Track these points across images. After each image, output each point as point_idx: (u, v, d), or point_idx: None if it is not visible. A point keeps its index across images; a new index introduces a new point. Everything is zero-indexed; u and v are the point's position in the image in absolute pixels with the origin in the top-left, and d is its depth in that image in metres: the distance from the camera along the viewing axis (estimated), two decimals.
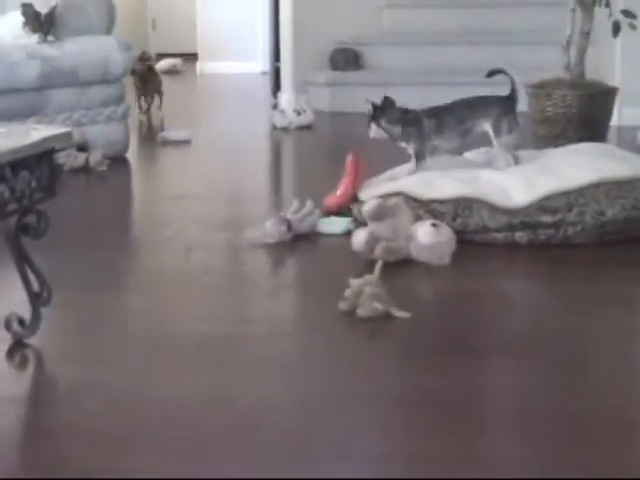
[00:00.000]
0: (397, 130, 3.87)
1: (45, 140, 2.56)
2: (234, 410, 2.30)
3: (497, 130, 3.80)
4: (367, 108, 3.94)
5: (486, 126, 3.82)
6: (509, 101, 3.87)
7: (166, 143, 5.58)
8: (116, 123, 5.16)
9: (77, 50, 4.96)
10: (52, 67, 4.83)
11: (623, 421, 2.22)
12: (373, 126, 3.89)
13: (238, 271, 3.46)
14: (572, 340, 2.70)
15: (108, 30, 5.25)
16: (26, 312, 2.69)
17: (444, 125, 3.83)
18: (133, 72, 6.46)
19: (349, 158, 3.86)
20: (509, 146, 3.81)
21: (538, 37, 6.41)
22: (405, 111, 3.91)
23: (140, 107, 6.90)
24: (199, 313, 2.96)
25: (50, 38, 5.01)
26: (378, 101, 3.95)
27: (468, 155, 4.05)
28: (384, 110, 3.89)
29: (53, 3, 5.06)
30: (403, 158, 3.98)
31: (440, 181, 3.62)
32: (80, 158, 4.87)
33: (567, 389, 2.38)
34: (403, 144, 3.87)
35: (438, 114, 3.87)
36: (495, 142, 3.81)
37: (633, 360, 2.63)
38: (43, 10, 5.03)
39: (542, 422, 2.21)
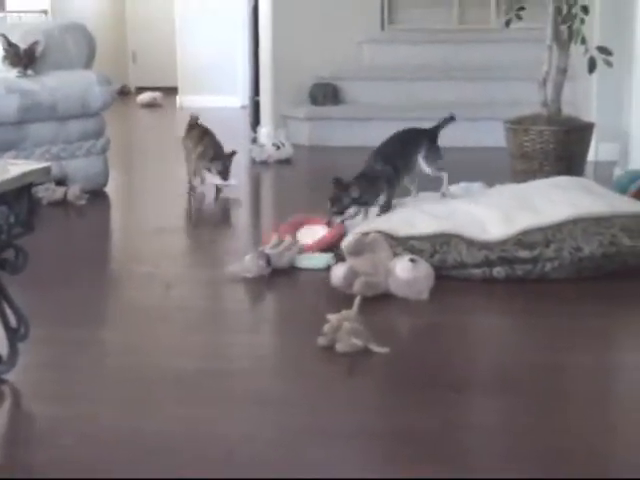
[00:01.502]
0: (356, 207, 3.80)
1: (24, 175, 2.56)
2: (212, 444, 2.29)
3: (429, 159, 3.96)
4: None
5: (420, 157, 3.97)
6: (434, 132, 4.04)
7: None
8: (95, 157, 5.16)
9: (56, 84, 4.97)
10: (31, 101, 4.83)
11: (598, 458, 2.22)
12: (337, 219, 3.78)
13: (217, 306, 3.45)
14: (549, 376, 2.70)
15: (88, 64, 5.27)
16: (3, 347, 2.68)
17: (397, 167, 3.90)
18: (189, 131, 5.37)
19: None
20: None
21: (516, 73, 6.47)
22: (359, 177, 3.86)
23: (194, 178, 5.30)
24: (177, 348, 2.96)
25: (30, 72, 5.02)
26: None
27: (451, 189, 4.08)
28: (336, 199, 3.77)
29: (33, 38, 5.07)
30: None
31: (418, 218, 3.64)
32: (59, 192, 4.86)
33: (544, 425, 2.38)
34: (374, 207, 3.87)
35: (389, 158, 3.91)
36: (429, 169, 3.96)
37: (609, 396, 2.64)
38: (22, 45, 5.04)
39: (518, 458, 2.21)
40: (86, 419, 2.44)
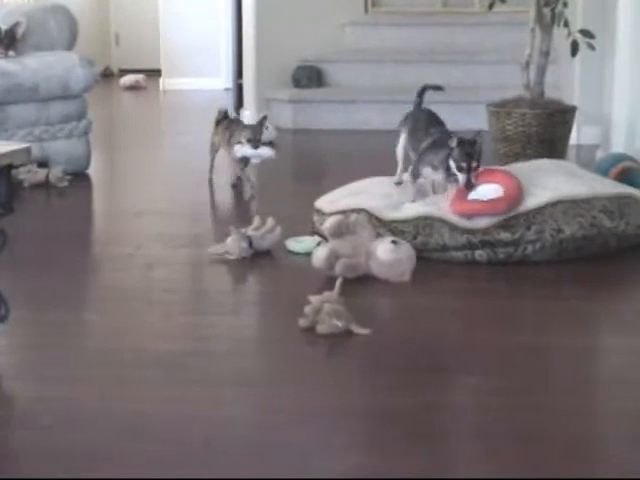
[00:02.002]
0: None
1: (3, 156, 2.54)
2: (193, 424, 2.29)
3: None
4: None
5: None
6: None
7: None
8: (77, 139, 5.14)
9: (38, 66, 4.94)
10: (13, 82, 4.80)
11: (579, 439, 2.23)
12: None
13: (198, 288, 3.45)
14: (529, 357, 2.71)
15: (70, 46, 5.24)
16: None
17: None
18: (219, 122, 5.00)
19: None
20: None
21: (500, 56, 6.47)
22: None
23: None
24: (158, 330, 2.95)
25: (11, 53, 4.99)
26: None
27: None
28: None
29: (15, 19, 5.04)
30: (366, 172, 4.01)
31: (404, 204, 3.64)
32: (40, 174, 4.84)
33: (524, 406, 2.39)
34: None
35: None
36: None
37: (589, 377, 2.65)
38: (4, 26, 5.01)
39: (499, 439, 2.22)
40: (67, 400, 2.44)
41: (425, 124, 3.73)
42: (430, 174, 3.62)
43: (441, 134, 3.62)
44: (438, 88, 4.02)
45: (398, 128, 3.92)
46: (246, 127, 4.73)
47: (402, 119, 3.92)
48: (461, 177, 3.48)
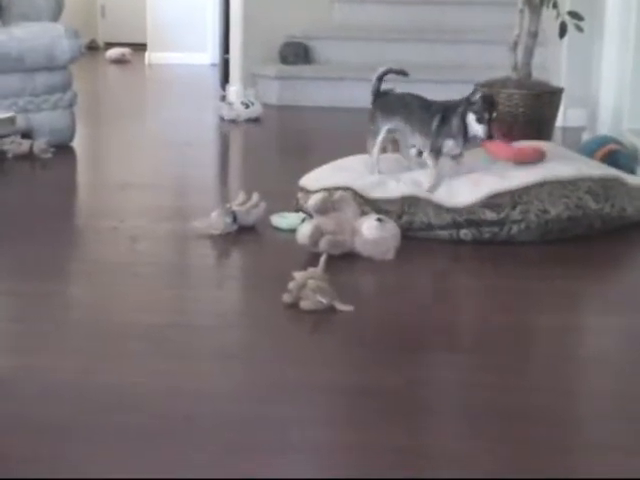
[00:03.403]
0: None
1: None
2: (175, 398, 2.29)
3: None
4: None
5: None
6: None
7: None
8: (62, 111, 5.10)
9: (24, 36, 4.90)
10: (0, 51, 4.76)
11: (561, 418, 2.24)
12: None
13: (182, 262, 3.44)
14: (513, 336, 2.72)
15: (55, 17, 5.20)
16: None
17: None
18: None
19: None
20: None
21: (489, 36, 6.44)
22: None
23: None
24: (141, 303, 2.95)
25: None
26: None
27: None
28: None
29: None
30: (352, 149, 3.99)
31: (390, 183, 3.63)
32: (24, 145, 4.80)
33: (507, 384, 2.40)
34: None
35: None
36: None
37: (572, 356, 2.66)
38: None
39: (481, 416, 2.23)
40: (48, 372, 2.43)
41: (421, 106, 3.69)
42: (451, 147, 3.60)
43: (443, 105, 3.62)
44: (402, 73, 3.87)
45: (379, 123, 3.77)
46: None
47: (380, 112, 3.79)
48: (482, 128, 3.51)
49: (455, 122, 3.55)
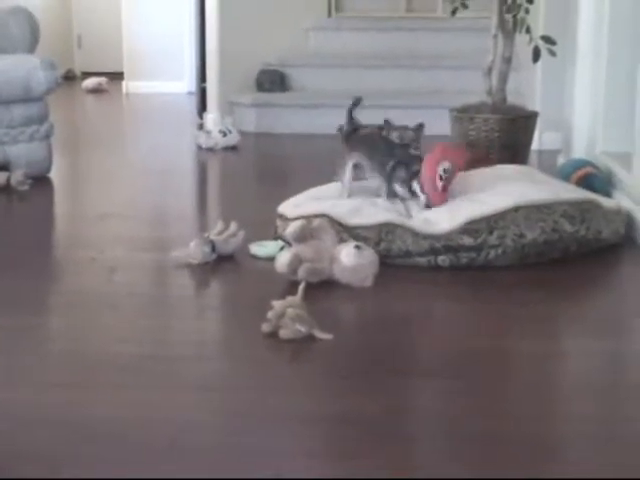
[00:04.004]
0: None
1: None
2: (155, 429, 2.28)
3: None
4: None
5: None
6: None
7: None
8: (39, 142, 5.10)
9: None
10: None
11: (542, 442, 2.25)
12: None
13: (161, 292, 3.44)
14: (491, 361, 2.73)
15: (31, 48, 5.21)
16: None
17: None
18: None
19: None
20: None
21: (463, 62, 6.50)
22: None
23: None
24: (121, 334, 2.94)
25: None
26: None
27: None
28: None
29: None
30: (330, 176, 4.02)
31: (366, 209, 3.65)
32: (1, 177, 4.80)
33: (487, 410, 2.41)
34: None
35: None
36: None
37: (552, 381, 2.67)
38: None
39: (461, 442, 2.23)
40: (26, 404, 2.42)
41: (384, 150, 3.75)
42: (402, 192, 3.69)
43: (401, 155, 3.70)
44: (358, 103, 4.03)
45: (346, 157, 3.87)
46: None
47: (349, 146, 3.90)
48: (424, 197, 3.64)
49: (401, 175, 3.67)
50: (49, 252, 3.96)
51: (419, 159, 3.65)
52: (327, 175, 4.12)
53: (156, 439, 2.24)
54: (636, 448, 2.23)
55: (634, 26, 4.09)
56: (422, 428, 2.37)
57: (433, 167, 3.62)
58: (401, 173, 3.67)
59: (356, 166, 3.85)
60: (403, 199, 3.68)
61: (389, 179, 3.69)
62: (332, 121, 5.98)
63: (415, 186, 3.65)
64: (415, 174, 3.65)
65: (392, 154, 3.71)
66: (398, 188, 3.69)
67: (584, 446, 2.24)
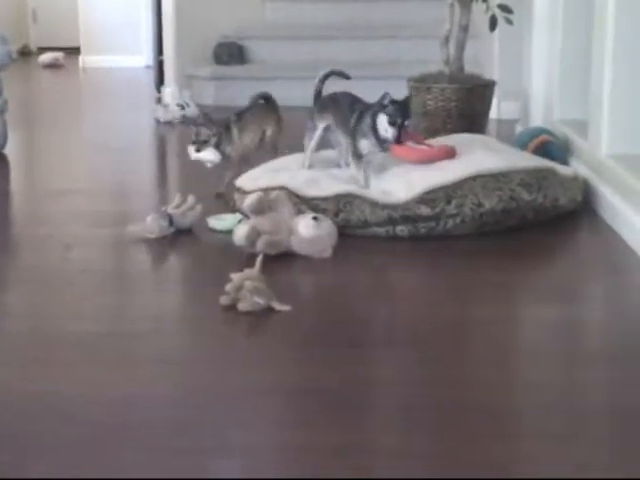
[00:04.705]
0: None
1: None
2: (114, 406, 2.27)
3: None
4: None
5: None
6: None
7: None
8: None
9: None
10: None
11: (497, 409, 2.26)
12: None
13: (118, 268, 3.41)
14: (450, 329, 2.74)
15: None
16: None
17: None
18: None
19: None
20: None
21: (421, 31, 6.47)
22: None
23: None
24: (78, 310, 2.92)
25: None
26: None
27: None
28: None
29: None
30: (289, 148, 4.00)
31: (324, 181, 3.64)
32: None
33: (446, 379, 2.42)
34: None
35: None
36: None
37: (509, 348, 2.68)
38: None
39: (421, 410, 2.24)
40: None
41: (348, 105, 3.72)
42: (367, 146, 3.61)
43: (365, 105, 3.63)
44: (344, 75, 3.94)
45: (316, 121, 3.82)
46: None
47: (317, 111, 3.83)
48: (392, 131, 3.50)
49: (366, 122, 3.57)
50: (5, 228, 3.92)
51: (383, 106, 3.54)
52: (286, 147, 4.11)
53: (114, 416, 2.22)
54: (589, 416, 2.26)
55: None
56: (381, 398, 2.38)
57: None
58: (366, 121, 3.57)
59: (327, 129, 3.80)
60: (367, 162, 3.64)
61: (353, 135, 3.62)
62: (290, 93, 5.97)
63: (384, 120, 3.52)
64: (375, 114, 3.54)
65: (353, 109, 3.66)
66: (363, 145, 3.60)
67: (535, 413, 2.26)
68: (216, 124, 4.07)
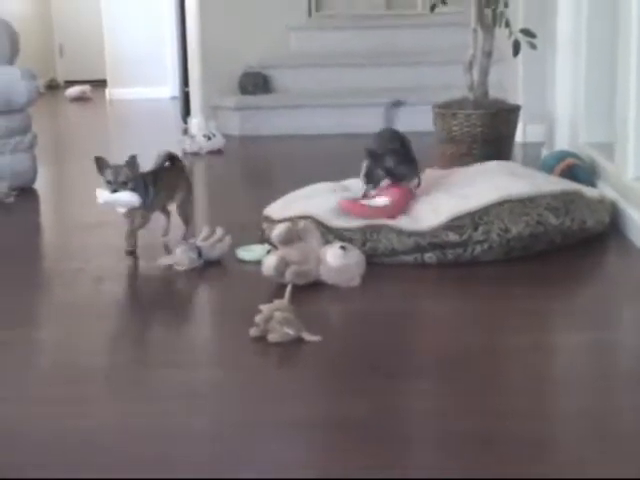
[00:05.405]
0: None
1: None
2: (147, 440, 2.28)
3: None
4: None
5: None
6: None
7: None
8: (22, 154, 5.10)
9: None
10: None
11: (535, 439, 2.25)
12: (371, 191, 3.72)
13: (148, 300, 3.43)
14: (482, 358, 2.73)
15: (11, 60, 5.19)
16: None
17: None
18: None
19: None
20: None
21: (445, 57, 6.51)
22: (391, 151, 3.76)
23: None
24: (108, 344, 2.94)
25: None
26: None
27: None
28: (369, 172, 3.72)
29: None
30: (315, 177, 4.02)
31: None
32: None
33: (478, 409, 2.41)
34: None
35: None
36: None
37: (543, 376, 2.67)
38: None
39: (454, 442, 2.23)
40: (15, 419, 2.41)
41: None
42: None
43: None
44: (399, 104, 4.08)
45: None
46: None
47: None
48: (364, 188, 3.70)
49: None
50: (36, 263, 3.95)
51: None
52: (312, 175, 4.13)
53: (147, 450, 2.23)
54: (628, 439, 2.24)
55: (612, 17, 4.10)
56: (413, 428, 2.37)
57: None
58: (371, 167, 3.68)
59: None
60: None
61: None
62: (315, 121, 6.00)
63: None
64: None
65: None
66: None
67: (577, 442, 2.24)
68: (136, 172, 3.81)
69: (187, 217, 4.00)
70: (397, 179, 3.68)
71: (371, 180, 3.68)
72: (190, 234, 3.87)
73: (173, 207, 4.03)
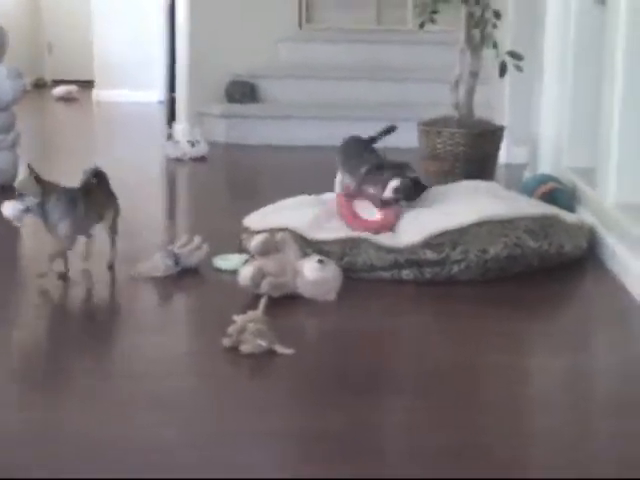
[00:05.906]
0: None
1: None
2: (113, 450, 2.26)
3: None
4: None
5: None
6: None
7: None
8: (5, 151, 5.07)
9: None
10: None
11: (505, 457, 2.25)
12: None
13: (122, 306, 3.42)
14: (454, 376, 2.74)
15: None
16: None
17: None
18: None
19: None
20: None
21: (433, 74, 6.51)
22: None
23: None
24: (81, 349, 2.92)
25: None
26: None
27: None
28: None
29: None
30: (298, 188, 4.01)
31: (328, 224, 3.65)
32: None
33: (453, 423, 2.41)
34: None
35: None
36: None
37: (513, 395, 2.67)
38: None
39: (428, 456, 2.24)
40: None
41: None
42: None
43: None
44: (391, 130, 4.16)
45: None
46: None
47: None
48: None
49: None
50: (12, 266, 3.92)
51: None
52: (295, 187, 4.13)
53: (112, 460, 2.22)
54: (599, 463, 2.25)
55: (599, 43, 4.12)
56: (387, 442, 2.37)
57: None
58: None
59: None
60: None
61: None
62: (302, 133, 6.00)
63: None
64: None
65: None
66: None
67: (548, 460, 2.25)
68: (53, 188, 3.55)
69: (115, 238, 3.71)
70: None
71: (378, 181, 3.68)
72: (114, 256, 3.67)
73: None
